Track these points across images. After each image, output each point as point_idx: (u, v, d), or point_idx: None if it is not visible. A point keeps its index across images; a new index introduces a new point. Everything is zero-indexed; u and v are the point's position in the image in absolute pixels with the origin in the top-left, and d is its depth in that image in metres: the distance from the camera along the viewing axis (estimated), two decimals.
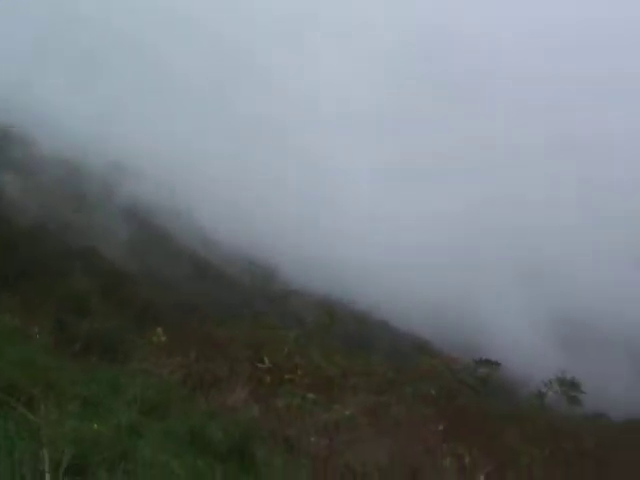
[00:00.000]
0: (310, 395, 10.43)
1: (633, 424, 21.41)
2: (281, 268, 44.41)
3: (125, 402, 8.35)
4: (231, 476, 6.37)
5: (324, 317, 21.36)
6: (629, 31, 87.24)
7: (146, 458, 5.74)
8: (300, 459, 8.42)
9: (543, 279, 59.77)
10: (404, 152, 71.21)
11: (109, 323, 15.19)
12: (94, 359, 11.48)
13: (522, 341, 49.27)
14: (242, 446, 7.46)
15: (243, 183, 56.55)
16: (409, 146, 72.62)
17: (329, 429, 9.25)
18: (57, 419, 5.81)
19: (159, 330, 13.63)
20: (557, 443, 16.06)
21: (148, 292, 26.66)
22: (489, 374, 15.26)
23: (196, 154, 55.91)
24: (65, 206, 34.66)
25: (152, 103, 61.58)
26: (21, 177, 33.90)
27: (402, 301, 48.71)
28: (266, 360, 11.01)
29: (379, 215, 61.67)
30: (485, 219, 62.93)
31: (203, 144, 59.15)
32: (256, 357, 11.51)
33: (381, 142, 73.46)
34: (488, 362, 15.60)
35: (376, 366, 14.72)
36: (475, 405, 14.92)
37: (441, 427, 10.40)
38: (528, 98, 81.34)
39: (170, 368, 12.15)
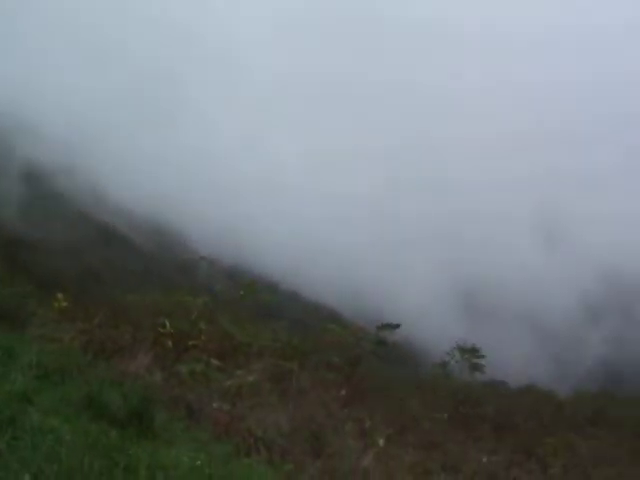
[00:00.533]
0: (214, 361, 10.31)
1: (530, 390, 22.45)
2: (190, 236, 43.93)
3: (19, 368, 8.01)
4: (127, 441, 6.21)
5: (233, 286, 21.15)
6: None
7: (34, 423, 5.53)
8: (201, 424, 8.34)
9: (449, 249, 61.37)
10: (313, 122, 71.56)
11: (6, 290, 14.57)
12: None
13: (428, 310, 50.71)
14: (141, 412, 7.30)
15: (150, 149, 55.42)
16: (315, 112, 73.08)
17: (232, 395, 9.20)
18: None
19: (60, 296, 13.11)
20: (457, 408, 16.62)
21: (49, 258, 25.74)
22: (390, 338, 15.49)
23: (99, 112, 54.24)
24: None
25: (49, 58, 59.22)
26: None
27: (312, 272, 49.18)
28: (167, 325, 10.78)
29: (289, 186, 61.80)
30: (392, 192, 63.96)
31: (106, 102, 57.48)
32: (161, 324, 11.26)
33: (291, 114, 73.55)
34: (388, 326, 15.82)
35: (282, 334, 14.72)
36: (378, 372, 15.22)
37: (343, 392, 10.53)
38: None
39: (71, 334, 11.73)
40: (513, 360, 44.32)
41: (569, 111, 78.26)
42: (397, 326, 15.79)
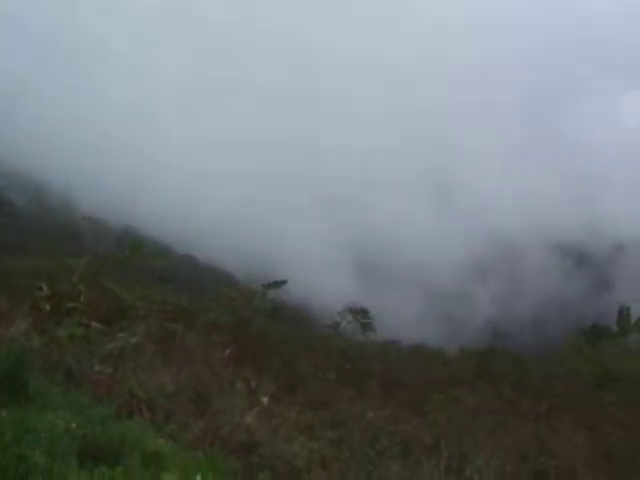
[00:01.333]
0: (96, 324, 10.01)
1: (419, 349, 23.17)
2: (78, 197, 42.43)
3: None
4: None
5: (122, 248, 20.58)
6: None
7: None
8: (81, 388, 8.10)
9: (343, 213, 62.09)
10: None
11: None
12: None
13: (324, 273, 51.28)
14: (13, 376, 7.00)
15: (44, 114, 53.19)
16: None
17: (114, 358, 8.97)
18: None
19: None
20: (346, 367, 16.95)
21: None
22: (279, 298, 15.60)
23: None
24: None
25: None
26: None
27: (207, 236, 48.66)
28: (45, 288, 10.35)
29: (183, 165, 60.83)
30: (283, 152, 63.92)
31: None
32: (38, 287, 10.80)
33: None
34: (275, 283, 15.91)
35: (171, 297, 14.48)
36: (268, 333, 15.27)
37: (228, 352, 10.49)
38: None
39: None
40: (407, 320, 45.63)
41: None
42: (283, 282, 15.87)
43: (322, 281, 47.01)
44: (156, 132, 61.99)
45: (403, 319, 42.83)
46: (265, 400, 8.56)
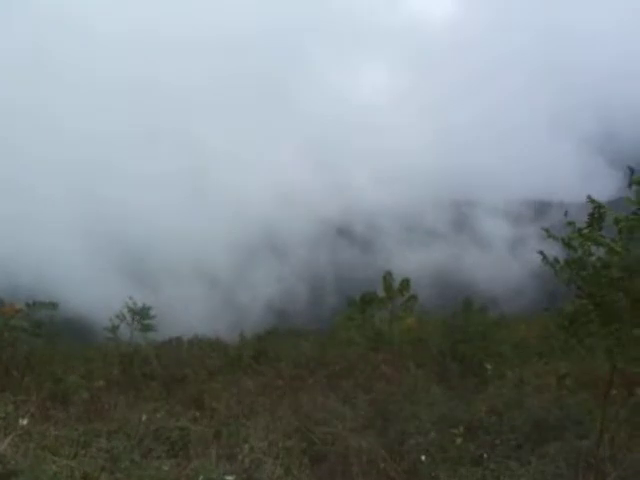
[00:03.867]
0: None
1: (200, 341, 23.36)
2: None
3: None
4: None
5: None
6: None
7: None
8: None
9: (102, 214, 60.21)
10: None
11: None
12: None
13: (97, 284, 49.44)
14: None
15: None
16: None
17: None
18: None
19: None
20: (126, 371, 16.69)
21: None
22: (48, 315, 14.91)
23: None
24: None
25: None
26: None
27: None
28: None
29: None
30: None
31: None
32: None
33: None
34: (43, 304, 15.19)
35: None
36: (34, 351, 14.61)
37: None
38: None
39: None
40: (193, 315, 45.60)
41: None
42: (53, 305, 15.12)
43: (98, 293, 45.17)
44: None
45: (189, 314, 42.76)
46: (24, 422, 8.24)
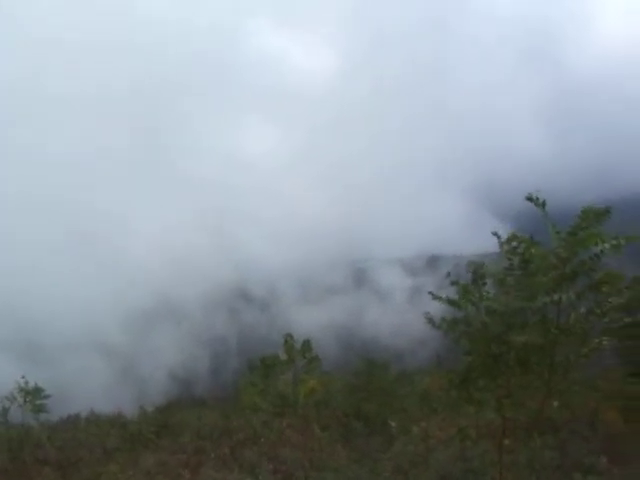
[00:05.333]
0: None
1: (98, 419, 22.41)
2: None
3: None
4: None
5: None
6: None
7: None
8: None
9: None
10: None
11: None
12: None
13: None
14: None
15: None
16: None
17: None
18: None
19: None
20: (16, 458, 15.83)
21: None
22: None
23: None
24: None
25: None
26: None
27: None
28: None
29: None
30: None
31: None
32: None
33: None
34: None
35: None
36: None
37: None
38: None
39: None
40: (94, 390, 43.77)
41: None
42: None
43: None
44: None
45: (88, 387, 41.06)
46: None
